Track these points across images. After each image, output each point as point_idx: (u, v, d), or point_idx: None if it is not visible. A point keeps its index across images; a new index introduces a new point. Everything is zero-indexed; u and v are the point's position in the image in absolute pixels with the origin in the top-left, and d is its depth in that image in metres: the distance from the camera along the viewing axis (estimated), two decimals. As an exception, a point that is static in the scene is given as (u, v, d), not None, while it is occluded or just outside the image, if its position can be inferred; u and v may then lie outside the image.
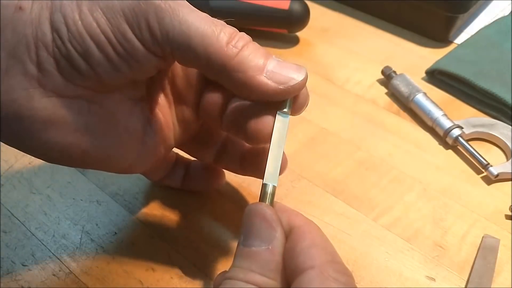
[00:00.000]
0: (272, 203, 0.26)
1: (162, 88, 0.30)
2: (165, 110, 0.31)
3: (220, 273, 0.27)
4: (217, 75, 0.25)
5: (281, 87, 0.25)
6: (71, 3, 0.24)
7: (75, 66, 0.24)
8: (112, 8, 0.24)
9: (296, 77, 0.25)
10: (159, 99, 0.30)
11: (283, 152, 0.27)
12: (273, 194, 0.26)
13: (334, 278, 0.21)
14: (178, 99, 0.31)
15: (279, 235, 0.23)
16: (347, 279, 0.21)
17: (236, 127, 0.29)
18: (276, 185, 0.26)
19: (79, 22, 0.23)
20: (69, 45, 0.24)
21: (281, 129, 0.27)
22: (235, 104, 0.29)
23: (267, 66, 0.25)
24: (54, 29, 0.23)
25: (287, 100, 0.26)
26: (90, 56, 0.24)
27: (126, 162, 0.29)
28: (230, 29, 0.25)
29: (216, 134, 0.34)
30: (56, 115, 0.25)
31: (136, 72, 0.25)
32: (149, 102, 0.29)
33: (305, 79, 0.26)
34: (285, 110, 0.27)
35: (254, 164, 0.33)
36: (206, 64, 0.25)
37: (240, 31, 0.26)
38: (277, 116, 0.27)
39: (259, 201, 0.26)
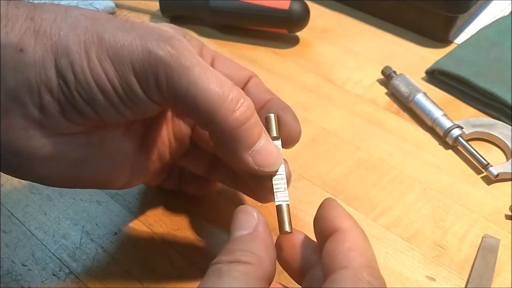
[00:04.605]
0: (290, 220, 0.26)
1: None
2: (160, 126, 0.31)
3: None
4: (210, 131, 0.26)
5: (256, 168, 0.26)
6: (79, 49, 0.23)
7: (79, 111, 0.24)
8: (122, 59, 0.23)
9: (271, 166, 0.27)
10: (155, 117, 0.30)
11: (287, 165, 0.29)
12: (288, 211, 0.26)
13: (367, 281, 0.21)
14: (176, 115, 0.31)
15: (260, 223, 0.24)
16: (380, 284, 0.21)
17: None
18: (288, 202, 0.27)
19: (88, 71, 0.23)
20: (75, 93, 0.23)
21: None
22: None
23: (256, 145, 0.26)
24: (60, 75, 0.23)
25: (271, 125, 0.28)
26: (95, 102, 0.24)
27: (120, 182, 0.29)
28: (237, 94, 0.25)
29: (207, 149, 0.34)
30: (55, 152, 0.25)
31: (138, 115, 0.26)
32: (144, 120, 0.29)
33: (275, 171, 0.27)
34: (274, 135, 0.28)
35: (247, 181, 0.33)
36: (205, 123, 0.25)
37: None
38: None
39: (278, 224, 0.26)
